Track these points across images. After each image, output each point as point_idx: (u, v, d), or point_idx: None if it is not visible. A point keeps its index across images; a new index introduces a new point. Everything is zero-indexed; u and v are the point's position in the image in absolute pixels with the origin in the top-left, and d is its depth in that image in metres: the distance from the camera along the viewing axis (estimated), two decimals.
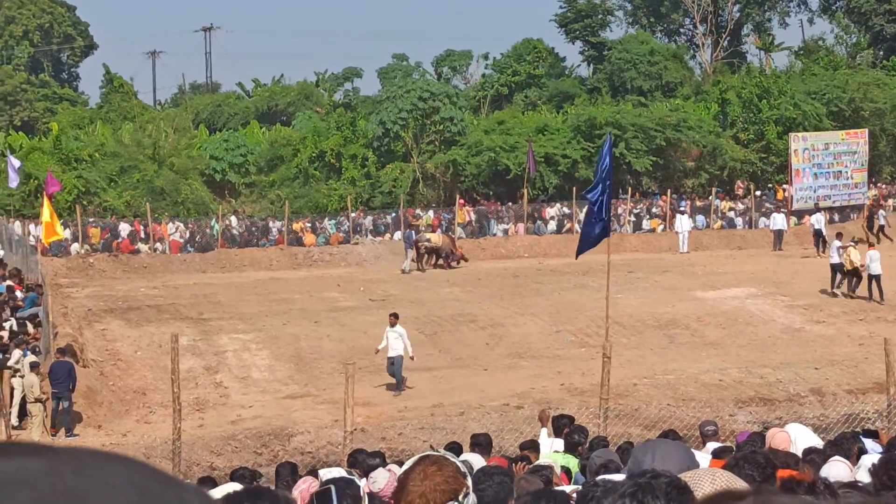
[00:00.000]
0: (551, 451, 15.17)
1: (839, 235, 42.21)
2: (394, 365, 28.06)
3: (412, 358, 28.28)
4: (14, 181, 54.47)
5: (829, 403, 26.12)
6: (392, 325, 28.21)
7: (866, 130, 63.97)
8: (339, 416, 21.49)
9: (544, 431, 16.80)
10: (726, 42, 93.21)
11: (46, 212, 35.96)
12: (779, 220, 55.18)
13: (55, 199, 43.25)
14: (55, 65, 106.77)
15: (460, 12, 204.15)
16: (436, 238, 50.80)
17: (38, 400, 24.98)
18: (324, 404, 27.33)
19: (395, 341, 27.93)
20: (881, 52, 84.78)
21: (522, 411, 25.14)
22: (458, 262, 49.66)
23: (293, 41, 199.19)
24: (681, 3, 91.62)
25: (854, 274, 39.31)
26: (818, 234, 52.18)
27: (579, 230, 20.19)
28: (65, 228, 51.41)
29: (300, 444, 24.43)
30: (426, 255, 50.43)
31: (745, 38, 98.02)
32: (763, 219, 60.56)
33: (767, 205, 62.58)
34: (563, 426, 15.95)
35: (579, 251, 23.06)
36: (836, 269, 39.86)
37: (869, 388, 26.77)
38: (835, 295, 39.56)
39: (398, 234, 55.35)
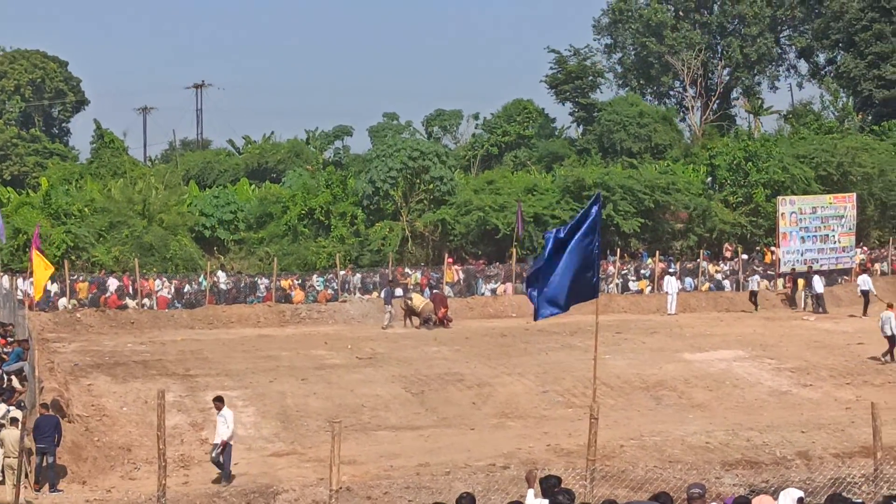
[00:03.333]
0: None
1: (890, 306, 41.45)
2: (221, 452, 25.77)
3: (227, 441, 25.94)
4: (1, 237, 54.54)
5: (816, 467, 26.02)
6: (218, 410, 26.09)
7: (854, 194, 64.11)
8: (324, 475, 21.38)
9: (531, 492, 16.72)
10: (716, 105, 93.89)
11: (38, 265, 35.99)
12: (817, 284, 55.36)
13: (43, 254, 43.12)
14: (46, 119, 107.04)
15: (451, 72, 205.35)
16: (417, 300, 50.86)
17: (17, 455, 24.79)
18: (309, 462, 27.21)
19: (221, 426, 25.79)
20: (869, 117, 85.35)
21: (509, 471, 25.02)
22: (437, 325, 49.49)
23: (284, 99, 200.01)
24: (671, 67, 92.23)
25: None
26: (866, 295, 52.58)
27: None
28: (52, 283, 51.41)
29: (285, 502, 24.27)
30: (408, 315, 50.53)
31: (735, 102, 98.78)
32: (749, 281, 60.79)
33: (754, 267, 62.74)
34: (552, 486, 15.90)
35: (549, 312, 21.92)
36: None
37: (856, 452, 26.68)
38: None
39: (382, 293, 55.38)
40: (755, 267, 61.68)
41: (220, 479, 25.74)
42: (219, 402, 26.37)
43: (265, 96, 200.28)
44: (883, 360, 39.01)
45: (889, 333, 39.06)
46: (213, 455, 26.08)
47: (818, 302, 54.91)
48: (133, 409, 32.37)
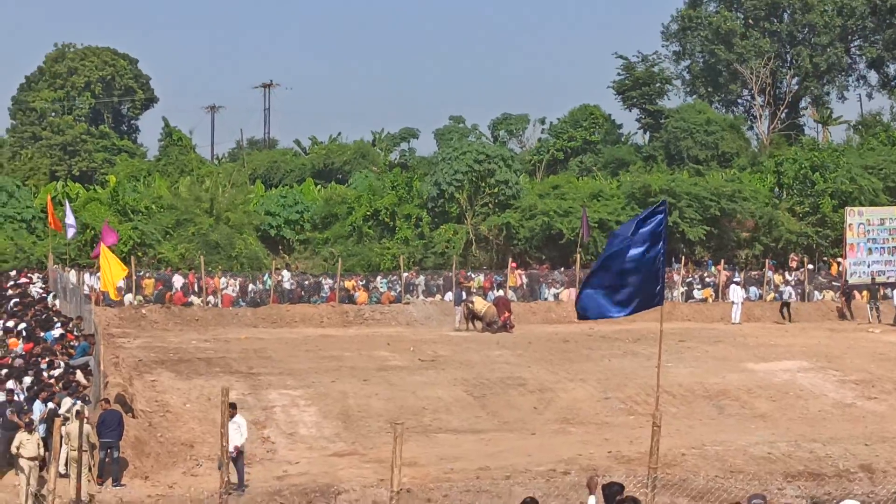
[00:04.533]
0: None
1: None
2: (234, 460, 24.92)
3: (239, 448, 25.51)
4: (72, 233, 55.07)
5: (879, 480, 25.86)
6: (231, 417, 24.27)
7: None
8: (385, 476, 21.45)
9: (592, 499, 16.69)
10: (784, 114, 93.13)
11: (105, 261, 36.33)
12: None
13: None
14: (115, 116, 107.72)
15: (518, 76, 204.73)
16: (479, 303, 50.78)
17: (83, 449, 24.96)
18: (370, 463, 27.28)
19: (233, 433, 24.71)
20: None
21: (569, 477, 25.02)
22: (500, 329, 49.36)
23: (351, 100, 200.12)
24: (739, 75, 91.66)
25: None
26: None
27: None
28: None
29: (345, 502, 24.40)
30: (469, 318, 50.53)
31: (803, 111, 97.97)
32: (816, 292, 60.43)
33: (820, 278, 62.32)
34: (615, 494, 15.84)
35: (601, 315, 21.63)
36: None
37: None
38: None
39: (449, 295, 55.38)
40: (787, 277, 60.97)
41: (227, 487, 24.14)
42: (232, 408, 24.80)
43: (332, 97, 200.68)
44: None
45: None
46: (220, 463, 25.24)
47: None
48: (196, 406, 32.58)
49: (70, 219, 54.75)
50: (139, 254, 61.30)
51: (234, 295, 56.84)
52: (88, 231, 61.82)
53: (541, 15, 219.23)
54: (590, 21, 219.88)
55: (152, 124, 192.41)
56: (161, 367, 37.65)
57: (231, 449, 24.58)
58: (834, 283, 60.46)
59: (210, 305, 54.15)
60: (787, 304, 56.02)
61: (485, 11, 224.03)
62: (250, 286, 58.68)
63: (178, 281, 56.80)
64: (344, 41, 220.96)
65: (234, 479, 24.53)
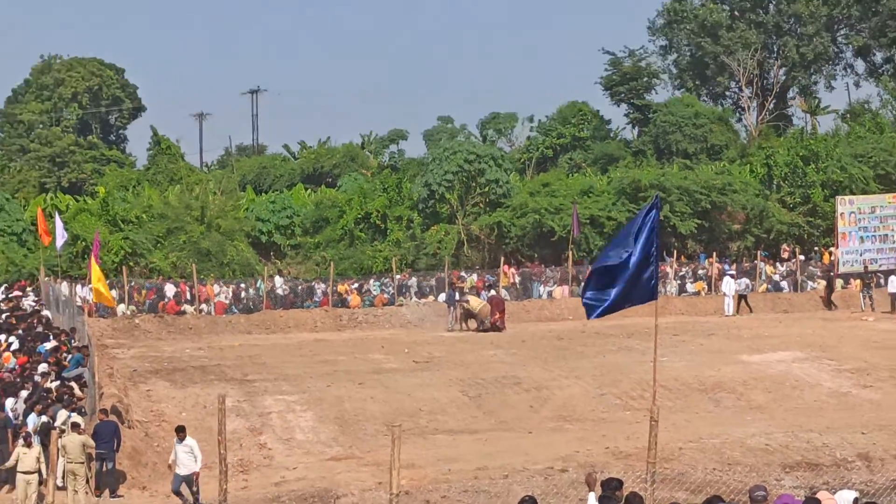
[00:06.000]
0: None
1: None
2: (185, 483, 24.49)
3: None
4: (61, 244, 54.96)
5: (877, 469, 25.85)
6: (181, 440, 24.73)
7: None
8: (383, 479, 21.42)
9: (592, 496, 16.67)
10: (772, 105, 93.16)
11: (95, 276, 36.26)
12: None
13: (102, 261, 43.42)
14: (103, 126, 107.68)
15: (505, 75, 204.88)
16: (474, 302, 50.81)
17: (79, 461, 24.90)
18: (367, 466, 27.24)
19: (186, 457, 24.45)
20: None
21: (567, 475, 24.98)
22: (492, 328, 49.38)
23: (339, 104, 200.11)
24: (726, 67, 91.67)
25: None
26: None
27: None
28: (111, 289, 51.75)
29: None
30: (465, 318, 50.58)
31: (791, 101, 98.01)
32: (810, 282, 60.47)
33: (811, 268, 62.36)
34: (613, 489, 15.85)
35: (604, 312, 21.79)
36: None
37: None
38: None
39: (443, 296, 55.36)
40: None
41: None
42: (181, 431, 25.15)
43: (320, 101, 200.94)
44: None
45: None
46: (175, 486, 24.68)
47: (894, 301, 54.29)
48: (192, 415, 32.49)
49: (60, 230, 54.64)
50: (131, 263, 61.19)
51: (227, 302, 56.77)
52: (79, 242, 61.74)
53: (526, 13, 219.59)
54: (576, 17, 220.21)
55: (141, 133, 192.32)
56: (156, 377, 37.56)
57: (184, 473, 24.44)
58: (831, 273, 60.37)
59: (203, 313, 54.07)
60: (743, 297, 55.71)
61: (470, 11, 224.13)
62: (243, 293, 58.65)
63: (170, 290, 56.76)
64: (330, 45, 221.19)
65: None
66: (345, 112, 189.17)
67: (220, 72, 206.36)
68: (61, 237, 54.93)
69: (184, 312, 53.81)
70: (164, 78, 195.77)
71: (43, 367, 33.31)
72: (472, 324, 50.21)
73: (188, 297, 55.87)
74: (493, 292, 55.15)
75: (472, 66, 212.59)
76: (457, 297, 52.10)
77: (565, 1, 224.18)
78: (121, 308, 53.25)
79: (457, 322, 50.85)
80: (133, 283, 56.24)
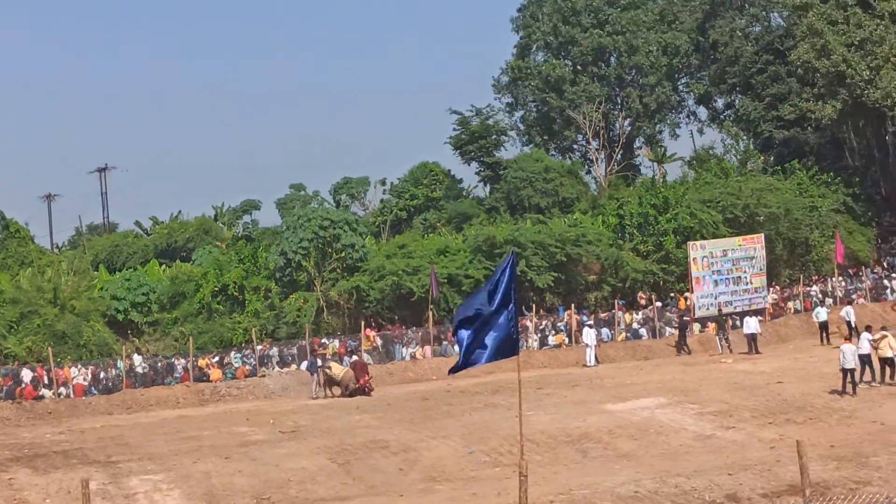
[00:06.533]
0: None
1: (869, 328, 43.61)
2: None
3: None
4: None
5: None
6: None
7: (762, 235, 65.00)
8: None
9: None
10: (619, 156, 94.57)
11: None
12: (752, 324, 55.67)
13: None
14: None
15: (355, 140, 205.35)
16: (336, 369, 50.82)
17: None
18: None
19: None
20: (771, 158, 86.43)
21: None
22: (358, 392, 49.30)
23: (189, 177, 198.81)
24: (572, 120, 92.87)
25: (889, 363, 41.52)
26: (850, 326, 53.60)
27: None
28: None
29: None
30: (328, 385, 50.50)
31: (638, 151, 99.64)
32: (668, 328, 61.26)
33: (668, 314, 63.19)
34: None
35: (468, 366, 22.09)
36: (864, 360, 41.29)
37: (783, 491, 26.78)
38: (865, 386, 40.71)
39: (304, 364, 55.11)
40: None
41: None
42: None
43: (170, 175, 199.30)
44: (843, 393, 39.65)
45: (846, 367, 39.86)
46: None
47: (752, 342, 55.11)
48: (57, 501, 31.81)
49: None
50: None
51: (86, 383, 55.84)
52: None
53: (373, 76, 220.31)
54: (422, 79, 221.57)
55: None
56: (17, 465, 36.77)
57: None
58: (685, 319, 61.16)
59: (62, 397, 53.15)
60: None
61: (315, 76, 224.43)
62: (102, 373, 57.75)
63: (27, 375, 55.69)
64: (176, 119, 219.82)
65: None
66: (195, 185, 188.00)
67: (66, 151, 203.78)
68: None
69: (42, 397, 52.86)
70: (9, 160, 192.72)
71: None
72: (337, 391, 50.06)
73: (46, 381, 54.90)
74: (355, 357, 55.06)
75: (321, 132, 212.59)
76: (319, 363, 51.96)
77: (410, 62, 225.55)
78: None
79: (321, 389, 50.71)
80: None
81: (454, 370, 21.16)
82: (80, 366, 58.10)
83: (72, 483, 32.25)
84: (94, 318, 67.10)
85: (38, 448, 39.92)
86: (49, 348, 56.67)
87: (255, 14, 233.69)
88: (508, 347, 19.82)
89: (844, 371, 40.04)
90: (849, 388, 39.83)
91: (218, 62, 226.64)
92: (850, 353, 40.10)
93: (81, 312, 66.62)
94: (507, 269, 20.52)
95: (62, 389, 54.18)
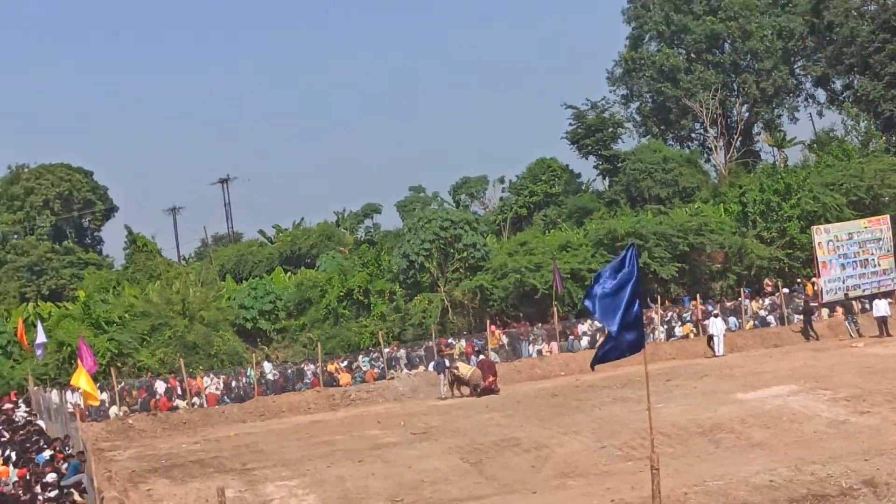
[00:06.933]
0: None
1: None
2: None
3: None
4: (40, 354, 54.85)
5: (884, 494, 25.84)
6: None
7: (888, 216, 64.05)
8: None
9: None
10: (738, 142, 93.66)
11: (82, 379, 36.11)
12: (882, 307, 55.24)
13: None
14: (78, 230, 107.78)
15: (472, 138, 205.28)
16: (464, 368, 50.98)
17: None
18: None
19: None
20: (893, 138, 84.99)
21: None
22: (486, 392, 49.43)
23: (310, 183, 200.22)
24: (689, 109, 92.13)
25: None
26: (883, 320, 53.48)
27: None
28: (101, 392, 51.64)
29: None
30: (456, 385, 50.68)
31: (757, 137, 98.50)
32: (796, 315, 60.59)
33: (796, 300, 62.51)
34: None
35: (602, 360, 22.38)
36: None
37: None
38: None
39: (433, 365, 55.38)
40: (709, 309, 60.40)
41: None
42: None
43: (291, 183, 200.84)
44: None
45: None
46: None
47: (883, 325, 54.53)
48: None
49: (40, 338, 54.58)
50: (118, 364, 61.05)
51: (219, 393, 56.67)
52: (65, 348, 61.57)
53: (487, 74, 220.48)
54: (535, 76, 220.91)
55: (116, 233, 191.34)
56: (155, 476, 37.43)
57: None
58: (811, 304, 60.53)
59: (196, 407, 53.98)
60: (712, 337, 55.81)
61: (429, 76, 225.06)
62: (233, 382, 58.54)
63: (160, 386, 56.63)
64: (293, 125, 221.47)
65: None
66: (316, 192, 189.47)
67: (188, 164, 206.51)
68: (40, 345, 54.86)
69: (176, 408, 53.71)
70: (134, 176, 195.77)
71: (52, 477, 33.21)
72: (465, 390, 50.24)
73: (179, 391, 55.78)
74: (482, 356, 55.21)
75: (439, 132, 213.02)
76: (447, 364, 52.18)
77: (523, 60, 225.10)
78: (113, 410, 53.14)
79: (449, 389, 50.92)
80: (123, 384, 56.15)
81: (594, 363, 21.41)
82: (212, 375, 58.96)
83: (209, 492, 32.73)
84: (224, 328, 68.00)
85: (175, 458, 40.58)
86: (181, 359, 57.59)
87: (366, 15, 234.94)
88: (636, 343, 19.87)
89: None
90: None
91: (329, 66, 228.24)
92: None
93: (211, 322, 67.55)
94: (628, 262, 20.55)
95: (195, 399, 55.01)
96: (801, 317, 59.34)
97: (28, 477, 34.16)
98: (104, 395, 53.92)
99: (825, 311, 60.57)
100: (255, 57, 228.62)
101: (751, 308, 62.04)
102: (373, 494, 32.10)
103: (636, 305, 20.49)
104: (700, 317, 59.43)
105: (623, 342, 20.75)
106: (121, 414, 52.70)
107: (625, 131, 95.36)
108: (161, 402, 54.26)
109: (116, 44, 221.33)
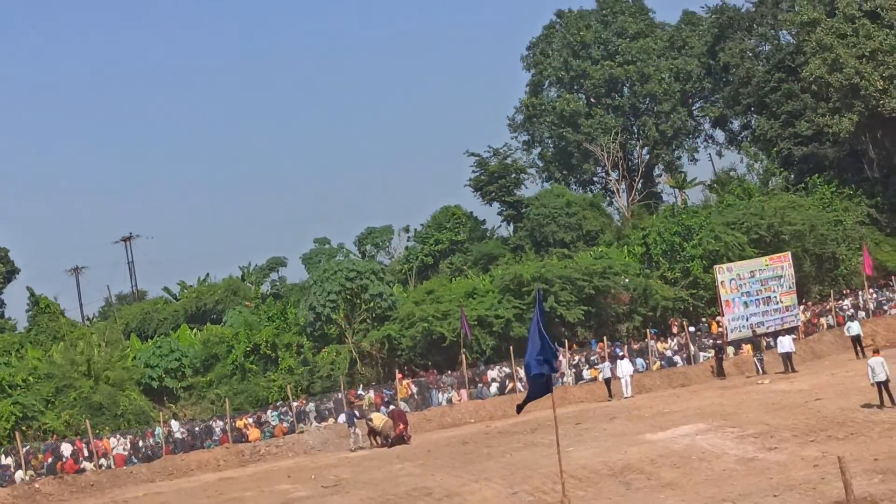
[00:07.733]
0: None
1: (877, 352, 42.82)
2: None
3: None
4: None
5: None
6: None
7: (789, 253, 64.91)
8: None
9: None
10: (640, 185, 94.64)
11: None
12: (786, 343, 55.79)
13: None
14: None
15: (375, 189, 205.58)
16: (377, 419, 50.81)
17: None
18: None
19: None
20: (791, 175, 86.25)
21: None
22: (397, 442, 49.31)
23: (214, 240, 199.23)
24: (590, 153, 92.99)
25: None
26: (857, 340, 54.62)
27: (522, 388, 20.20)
28: (6, 457, 50.87)
29: None
30: (372, 434, 50.47)
31: (658, 179, 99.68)
32: (703, 353, 61.09)
33: (703, 340, 63.03)
34: None
35: (525, 402, 22.57)
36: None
37: None
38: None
39: (342, 418, 55.12)
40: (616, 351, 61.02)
41: None
42: None
43: (195, 239, 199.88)
44: (881, 406, 39.44)
45: (878, 380, 39.74)
46: None
47: (788, 361, 55.09)
48: None
49: None
50: (24, 428, 60.08)
51: (126, 453, 55.92)
52: None
53: (388, 126, 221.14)
54: (437, 125, 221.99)
55: (17, 296, 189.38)
56: None
57: None
58: (716, 343, 61.12)
59: (103, 468, 53.22)
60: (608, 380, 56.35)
61: (331, 130, 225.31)
62: (140, 442, 57.83)
63: (66, 449, 55.78)
64: (196, 183, 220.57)
65: None
66: (221, 247, 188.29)
67: (90, 224, 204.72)
68: None
69: (83, 470, 52.92)
70: (35, 237, 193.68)
71: None
72: (380, 440, 50.08)
73: (86, 453, 54.97)
74: (392, 406, 55.04)
75: (343, 184, 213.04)
76: (356, 415, 51.95)
77: (423, 109, 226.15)
78: (19, 474, 52.26)
79: (363, 440, 50.72)
80: (28, 447, 55.27)
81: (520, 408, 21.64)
82: (118, 436, 58.19)
83: None
84: (130, 388, 67.17)
85: None
86: (87, 420, 56.82)
87: (270, 73, 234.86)
88: (543, 386, 19.93)
89: (878, 384, 39.95)
90: (886, 400, 39.68)
91: (230, 123, 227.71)
92: (878, 366, 40.01)
93: (116, 382, 66.71)
94: (536, 308, 20.68)
95: (103, 461, 54.27)
96: (712, 354, 59.88)
97: None
98: (9, 460, 53.08)
99: (730, 350, 61.07)
100: (153, 115, 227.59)
101: (657, 349, 62.43)
102: None
103: (547, 339, 20.59)
104: (608, 359, 59.60)
105: (537, 385, 20.88)
106: (27, 478, 51.79)
107: (527, 177, 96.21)
108: (68, 465, 53.44)
109: (8, 102, 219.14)
